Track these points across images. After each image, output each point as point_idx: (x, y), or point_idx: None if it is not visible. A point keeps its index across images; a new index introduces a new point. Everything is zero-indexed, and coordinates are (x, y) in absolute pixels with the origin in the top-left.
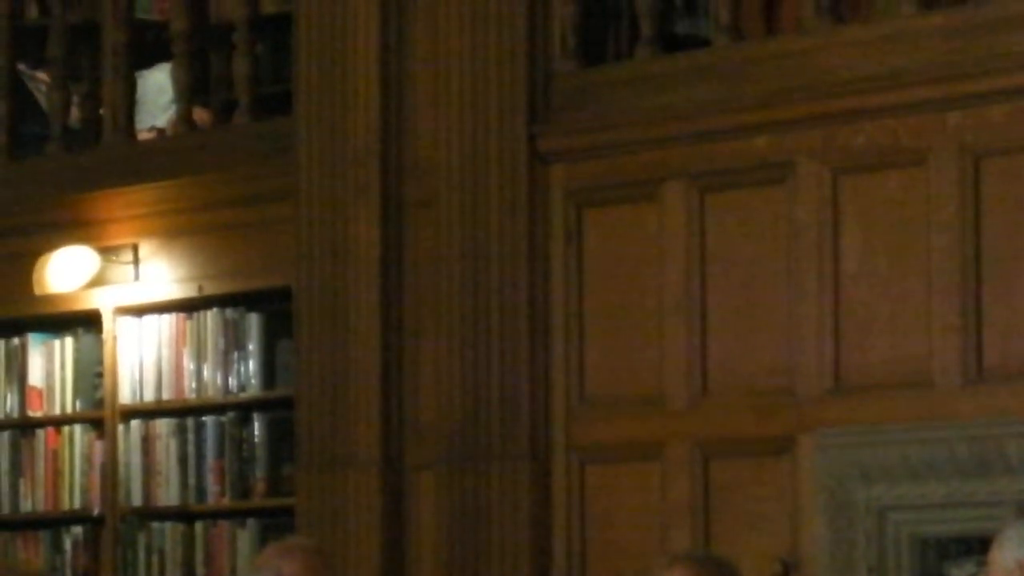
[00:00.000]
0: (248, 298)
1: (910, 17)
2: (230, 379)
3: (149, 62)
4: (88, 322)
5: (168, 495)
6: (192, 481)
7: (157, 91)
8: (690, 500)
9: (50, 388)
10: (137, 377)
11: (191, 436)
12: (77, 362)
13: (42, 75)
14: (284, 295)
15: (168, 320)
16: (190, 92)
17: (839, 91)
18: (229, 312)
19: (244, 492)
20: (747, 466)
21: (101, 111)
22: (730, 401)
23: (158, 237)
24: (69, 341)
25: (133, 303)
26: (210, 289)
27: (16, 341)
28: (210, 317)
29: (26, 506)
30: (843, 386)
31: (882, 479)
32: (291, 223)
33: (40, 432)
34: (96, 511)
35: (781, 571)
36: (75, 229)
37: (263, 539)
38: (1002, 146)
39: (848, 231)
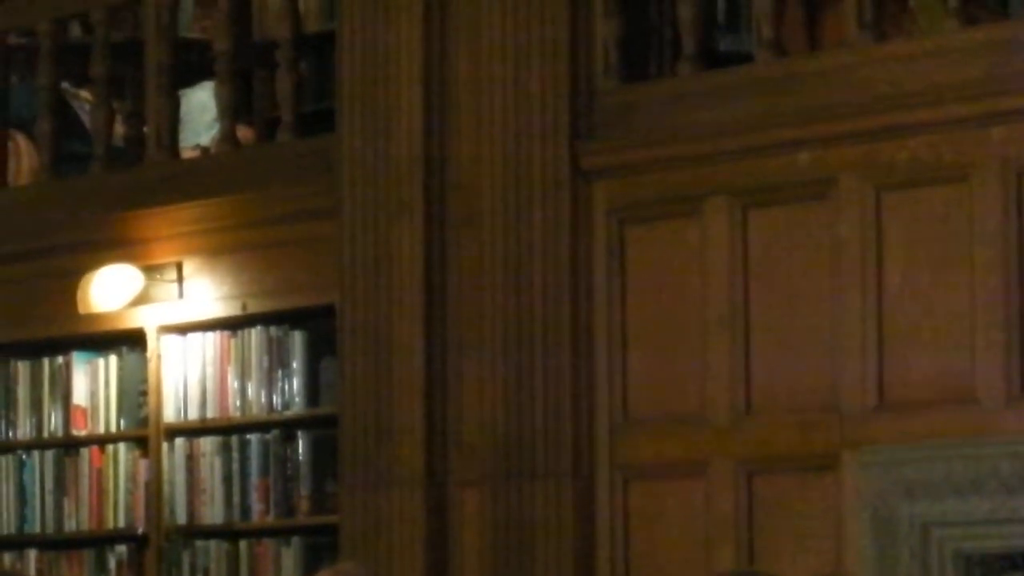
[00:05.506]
0: (292, 316)
1: (952, 33)
2: (274, 397)
3: (192, 80)
4: (132, 340)
5: (212, 513)
6: (236, 499)
7: (201, 109)
8: (734, 517)
9: (94, 407)
10: (181, 395)
11: (235, 454)
12: (121, 381)
13: (86, 94)
14: (328, 313)
15: (212, 338)
16: (233, 110)
17: (882, 107)
18: (273, 330)
19: (288, 510)
20: (791, 483)
21: (145, 129)
22: (774, 418)
23: (202, 255)
24: (113, 360)
25: (177, 321)
26: (254, 307)
27: (60, 360)
28: (254, 335)
29: (70, 525)
30: (887, 402)
31: (926, 496)
32: (335, 241)
33: (84, 451)
34: (140, 530)
35: None
36: (119, 247)
37: (307, 557)
38: None
39: (891, 247)
